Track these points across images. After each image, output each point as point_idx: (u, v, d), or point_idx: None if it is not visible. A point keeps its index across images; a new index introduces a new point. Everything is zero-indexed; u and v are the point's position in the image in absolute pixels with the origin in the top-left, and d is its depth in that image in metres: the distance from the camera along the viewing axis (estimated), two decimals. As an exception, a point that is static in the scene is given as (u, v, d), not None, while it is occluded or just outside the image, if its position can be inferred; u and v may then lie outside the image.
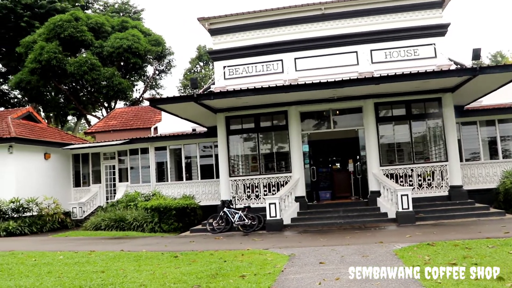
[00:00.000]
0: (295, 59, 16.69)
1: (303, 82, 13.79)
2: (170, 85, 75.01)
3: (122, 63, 38.07)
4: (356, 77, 13.62)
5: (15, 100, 43.23)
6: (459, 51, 65.66)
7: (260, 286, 6.25)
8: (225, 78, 17.11)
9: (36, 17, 37.87)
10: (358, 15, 16.52)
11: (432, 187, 15.21)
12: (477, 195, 15.75)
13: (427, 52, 15.98)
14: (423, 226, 12.50)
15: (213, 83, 18.30)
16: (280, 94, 14.22)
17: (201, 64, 50.27)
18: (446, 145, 15.29)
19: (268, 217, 13.66)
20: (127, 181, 21.15)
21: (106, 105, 40.93)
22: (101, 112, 42.30)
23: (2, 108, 39.45)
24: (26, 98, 40.40)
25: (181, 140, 20.01)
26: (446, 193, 15.04)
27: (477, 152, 17.31)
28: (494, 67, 13.42)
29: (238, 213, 14.19)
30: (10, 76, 40.20)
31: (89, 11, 44.41)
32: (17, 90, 39.95)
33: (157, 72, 44.05)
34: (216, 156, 17.92)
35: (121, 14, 45.40)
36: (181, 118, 17.41)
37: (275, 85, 14.02)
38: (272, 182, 16.03)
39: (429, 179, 15.26)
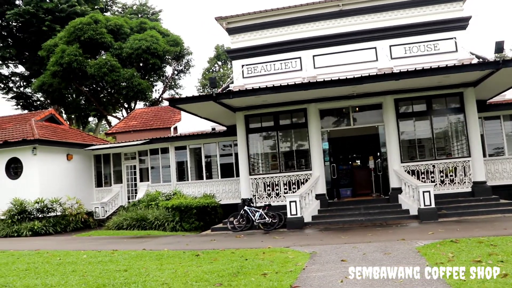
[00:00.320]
0: (314, 56, 16.65)
1: (322, 80, 13.70)
2: (189, 85, 75.71)
3: (141, 64, 38.44)
4: (375, 73, 13.45)
5: (38, 102, 44.14)
6: (481, 44, 64.27)
7: (281, 284, 6.23)
8: (243, 77, 17.15)
9: (57, 21, 38.62)
10: (376, 11, 16.41)
11: (455, 183, 14.97)
12: (502, 191, 15.43)
13: (447, 47, 15.74)
14: (446, 223, 12.28)
15: (232, 82, 18.35)
16: (299, 91, 14.15)
17: (219, 63, 50.47)
18: (468, 140, 15.03)
19: (288, 215, 13.66)
20: (148, 180, 21.37)
21: (126, 106, 41.43)
22: (121, 113, 42.81)
23: (26, 111, 40.37)
24: (48, 101, 41.15)
25: (201, 139, 20.11)
26: (469, 189, 14.77)
27: (501, 147, 16.92)
28: (518, 60, 13.12)
29: (259, 211, 14.19)
30: (33, 80, 41.09)
31: (108, 14, 45.08)
32: (39, 93, 40.78)
33: (176, 72, 44.41)
34: (236, 154, 17.98)
35: (139, 15, 45.95)
36: (200, 117, 17.50)
37: (294, 83, 13.99)
38: (292, 180, 16.01)
39: (451, 175, 15.01)
